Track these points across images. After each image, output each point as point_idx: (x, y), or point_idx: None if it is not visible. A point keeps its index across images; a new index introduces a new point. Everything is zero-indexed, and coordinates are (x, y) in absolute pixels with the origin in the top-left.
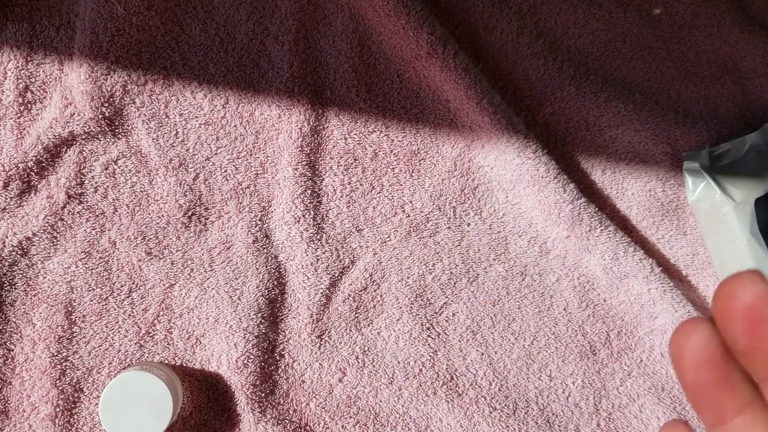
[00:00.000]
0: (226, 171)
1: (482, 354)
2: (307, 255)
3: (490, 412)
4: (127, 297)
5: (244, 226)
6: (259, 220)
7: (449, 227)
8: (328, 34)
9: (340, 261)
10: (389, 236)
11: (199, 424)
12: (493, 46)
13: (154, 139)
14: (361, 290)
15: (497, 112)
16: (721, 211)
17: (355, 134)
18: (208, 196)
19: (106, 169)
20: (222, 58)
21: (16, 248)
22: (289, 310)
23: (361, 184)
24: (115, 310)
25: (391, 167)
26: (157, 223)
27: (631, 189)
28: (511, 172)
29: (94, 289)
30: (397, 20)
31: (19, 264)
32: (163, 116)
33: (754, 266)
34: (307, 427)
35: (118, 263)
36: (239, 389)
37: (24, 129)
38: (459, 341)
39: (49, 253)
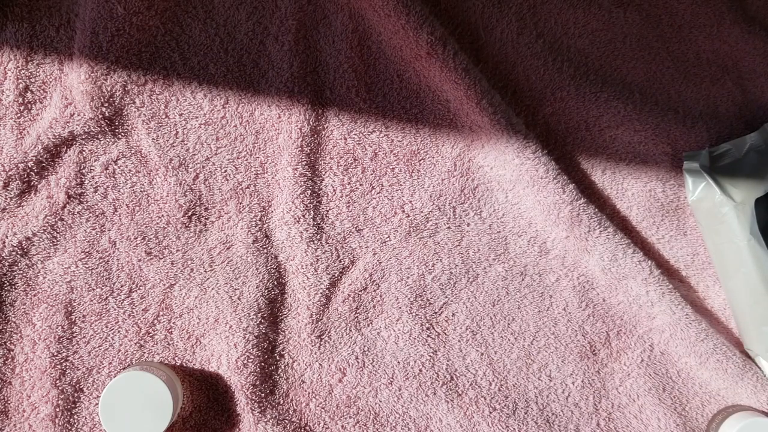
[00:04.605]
0: (226, 171)
1: (482, 354)
2: (307, 255)
3: (490, 412)
4: (127, 297)
5: (244, 226)
6: (259, 220)
7: (449, 227)
8: (328, 34)
9: (340, 261)
10: (389, 236)
11: (199, 424)
12: (493, 46)
13: (154, 139)
14: (360, 290)
15: (497, 112)
16: (721, 211)
17: (355, 134)
18: (208, 196)
19: (106, 169)
20: (222, 58)
21: (16, 248)
22: (289, 310)
23: (360, 184)
24: (115, 310)
25: (391, 167)
26: (157, 223)
27: (631, 189)
28: (510, 173)
29: (94, 289)
30: (397, 20)
31: (19, 264)
32: (163, 116)
33: (754, 266)
34: (307, 427)
35: (118, 263)
36: (239, 389)
37: (24, 129)
38: (459, 341)
39: (49, 253)
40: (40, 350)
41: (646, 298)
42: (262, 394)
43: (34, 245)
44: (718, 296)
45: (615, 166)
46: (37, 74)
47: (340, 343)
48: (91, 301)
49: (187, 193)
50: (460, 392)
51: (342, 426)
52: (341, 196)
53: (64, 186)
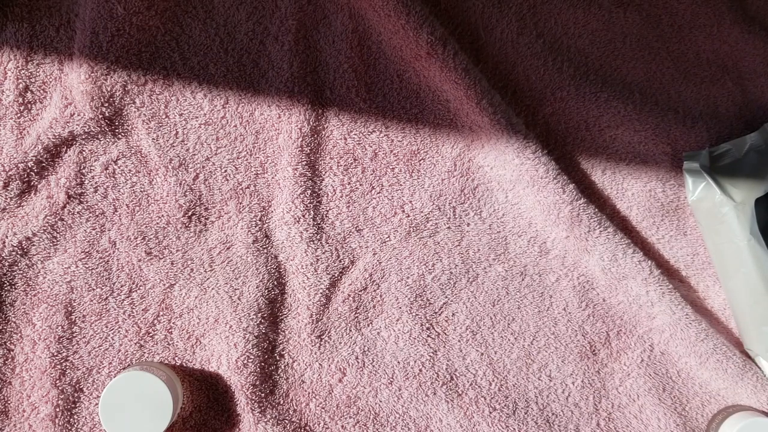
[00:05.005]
0: (226, 171)
1: (482, 354)
2: (307, 255)
3: (490, 412)
4: (127, 297)
5: (244, 226)
6: (259, 220)
7: (449, 227)
8: (328, 34)
9: (340, 261)
10: (389, 236)
11: (199, 424)
12: (493, 46)
13: (154, 139)
14: (360, 290)
15: (497, 112)
16: (721, 211)
17: (355, 134)
18: (208, 196)
19: (106, 169)
20: (222, 58)
21: (16, 248)
22: (289, 310)
23: (361, 184)
24: (115, 310)
25: (391, 167)
26: (157, 223)
27: (631, 189)
28: (510, 173)
29: (94, 289)
30: (397, 20)
31: (19, 264)
32: (163, 116)
33: (754, 266)
34: (307, 427)
35: (118, 263)
36: (239, 389)
37: (24, 129)
38: (459, 341)
39: (49, 253)
40: (40, 350)
41: (646, 298)
42: (262, 394)
43: (34, 245)
44: (718, 296)
45: (615, 166)
46: (37, 74)
47: (340, 343)
48: (91, 301)
49: (187, 193)
50: (460, 392)
51: (342, 426)
52: (341, 196)
53: (64, 186)
